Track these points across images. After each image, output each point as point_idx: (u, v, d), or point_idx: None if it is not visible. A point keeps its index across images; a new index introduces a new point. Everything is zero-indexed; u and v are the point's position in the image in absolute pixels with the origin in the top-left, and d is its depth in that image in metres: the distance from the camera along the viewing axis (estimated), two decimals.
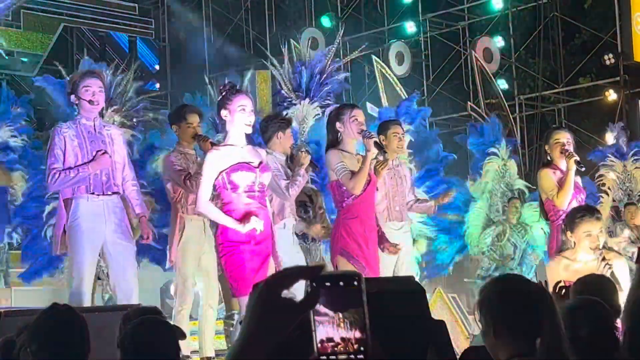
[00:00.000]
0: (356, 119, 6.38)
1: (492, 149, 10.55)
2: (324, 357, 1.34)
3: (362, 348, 1.34)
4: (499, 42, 17.00)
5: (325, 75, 9.23)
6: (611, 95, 15.77)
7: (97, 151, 6.05)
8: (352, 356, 1.34)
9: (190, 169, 6.70)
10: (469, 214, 10.32)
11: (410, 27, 17.74)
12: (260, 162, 5.79)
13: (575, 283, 4.31)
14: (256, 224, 5.61)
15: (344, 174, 6.27)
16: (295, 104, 9.16)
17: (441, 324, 4.32)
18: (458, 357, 3.60)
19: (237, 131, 5.76)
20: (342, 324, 1.34)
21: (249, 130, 5.82)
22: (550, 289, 4.34)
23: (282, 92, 9.42)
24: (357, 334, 1.34)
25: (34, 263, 8.88)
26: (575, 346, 3.00)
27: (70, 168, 5.99)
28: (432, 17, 17.64)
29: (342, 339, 1.34)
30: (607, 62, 15.84)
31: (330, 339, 1.35)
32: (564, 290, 4.29)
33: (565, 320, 3.11)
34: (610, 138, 12.78)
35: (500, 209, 10.38)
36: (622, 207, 10.66)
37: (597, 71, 16.80)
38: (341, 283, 1.35)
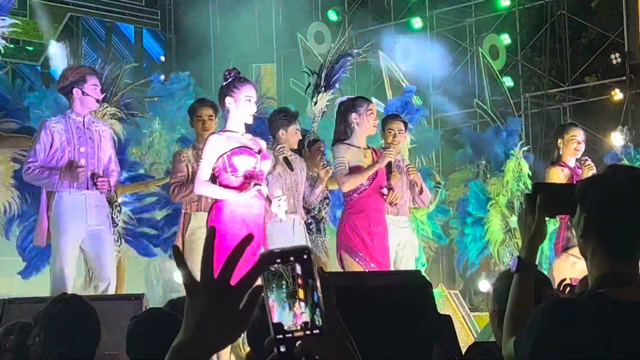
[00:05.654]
0: (372, 113, 6.42)
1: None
2: (280, 336, 1.31)
3: (317, 323, 1.31)
4: (505, 39, 16.97)
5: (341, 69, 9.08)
6: (617, 95, 15.73)
7: (77, 166, 6.06)
8: (308, 332, 1.31)
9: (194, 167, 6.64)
10: (489, 212, 10.37)
11: (416, 22, 17.69)
12: (260, 150, 5.81)
13: (580, 282, 4.30)
14: (256, 188, 5.61)
15: (340, 169, 6.34)
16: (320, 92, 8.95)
17: (447, 318, 4.32)
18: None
19: (239, 119, 5.77)
20: (297, 300, 1.31)
21: (251, 120, 5.83)
22: (555, 286, 4.33)
23: (318, 82, 9.14)
24: (312, 309, 1.31)
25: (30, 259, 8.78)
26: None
27: (45, 167, 6.07)
28: (439, 13, 17.60)
29: (298, 314, 1.31)
30: (614, 62, 15.81)
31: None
32: (568, 289, 4.28)
33: None
34: (617, 139, 12.73)
35: (517, 206, 10.41)
36: None
37: (603, 70, 16.77)
38: (292, 258, 1.32)
